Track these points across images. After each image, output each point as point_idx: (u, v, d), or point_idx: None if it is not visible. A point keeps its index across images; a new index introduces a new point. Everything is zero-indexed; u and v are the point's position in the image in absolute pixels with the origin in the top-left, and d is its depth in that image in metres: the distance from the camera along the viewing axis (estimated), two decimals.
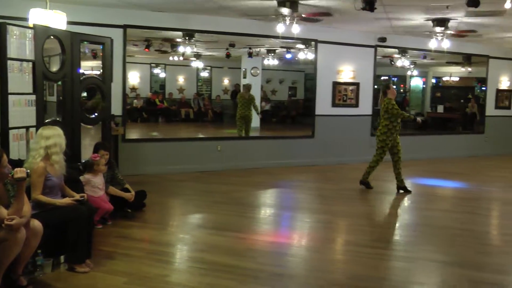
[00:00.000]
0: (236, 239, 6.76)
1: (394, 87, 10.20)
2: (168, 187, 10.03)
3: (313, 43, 13.20)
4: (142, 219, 7.66)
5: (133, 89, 22.72)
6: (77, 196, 5.56)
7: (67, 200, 5.46)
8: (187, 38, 13.38)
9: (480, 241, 7.24)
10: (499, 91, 16.98)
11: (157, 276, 5.30)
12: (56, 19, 7.31)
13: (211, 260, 5.87)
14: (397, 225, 8.18)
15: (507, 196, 10.50)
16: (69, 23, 7.95)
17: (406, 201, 10.10)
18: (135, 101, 22.03)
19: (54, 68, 7.80)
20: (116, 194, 7.49)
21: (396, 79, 25.79)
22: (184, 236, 7.00)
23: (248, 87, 15.56)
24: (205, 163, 11.89)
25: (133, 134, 14.35)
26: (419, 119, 10.59)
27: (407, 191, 10.32)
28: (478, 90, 23.07)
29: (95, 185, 7.03)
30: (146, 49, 15.53)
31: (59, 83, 7.95)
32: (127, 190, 7.69)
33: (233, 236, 6.88)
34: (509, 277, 5.85)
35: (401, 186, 10.37)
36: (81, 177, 6.92)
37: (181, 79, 24.59)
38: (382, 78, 24.57)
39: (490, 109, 16.94)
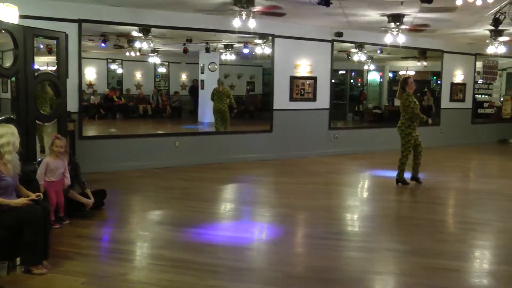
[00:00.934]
0: (195, 235, 6.76)
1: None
2: (126, 184, 9.95)
3: (270, 37, 13.23)
4: (101, 217, 7.59)
5: (90, 85, 22.37)
6: (33, 196, 5.40)
7: (22, 200, 5.29)
8: (143, 33, 13.28)
9: (437, 230, 7.43)
10: (453, 85, 17.37)
11: (116, 274, 5.26)
12: (8, 13, 7.12)
13: (170, 257, 5.87)
14: (355, 216, 8.27)
15: (462, 185, 10.75)
16: (22, 17, 7.83)
17: (364, 193, 10.27)
18: (92, 97, 21.72)
19: (7, 63, 7.64)
20: (75, 199, 7.41)
21: (353, 73, 26.03)
22: (143, 233, 6.95)
23: (222, 82, 16.19)
24: (163, 159, 11.83)
25: (91, 131, 14.20)
26: (430, 120, 10.54)
27: (406, 184, 10.42)
28: (434, 84, 23.44)
29: (54, 168, 6.92)
30: (102, 44, 15.32)
31: (13, 79, 7.78)
32: (87, 196, 7.63)
33: (193, 232, 6.87)
34: (465, 263, 6.00)
35: (400, 179, 10.45)
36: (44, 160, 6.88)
37: (138, 75, 24.32)
38: (340, 72, 24.81)
39: (445, 102, 17.32)
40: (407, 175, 10.40)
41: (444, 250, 6.41)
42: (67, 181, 7.15)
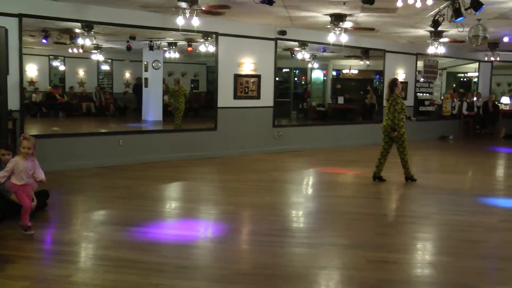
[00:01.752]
0: (140, 234, 6.71)
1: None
2: (69, 184, 9.78)
3: (214, 35, 13.24)
4: (44, 218, 7.43)
5: (32, 82, 21.92)
6: None
7: None
8: (86, 29, 13.10)
9: (379, 224, 7.65)
10: None
11: (60, 277, 5.17)
12: None
13: (115, 256, 5.82)
14: (300, 213, 8.37)
15: (403, 180, 10.96)
16: None
17: (309, 190, 10.41)
18: (34, 95, 21.26)
19: None
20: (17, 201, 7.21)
21: (297, 71, 26.26)
22: (87, 234, 6.85)
23: (178, 81, 16.99)
24: (107, 158, 11.69)
25: (32, 130, 13.90)
26: (413, 118, 10.73)
27: (414, 180, 10.67)
28: (377, 83, 23.89)
29: (23, 169, 6.60)
30: (44, 40, 15.01)
31: None
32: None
33: (137, 231, 6.83)
34: (405, 255, 6.16)
35: (408, 176, 10.71)
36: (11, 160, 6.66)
37: (81, 72, 23.95)
38: (284, 70, 25.00)
39: None
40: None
41: (386, 243, 6.61)
42: (41, 176, 6.87)
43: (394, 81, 10.42)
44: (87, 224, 7.44)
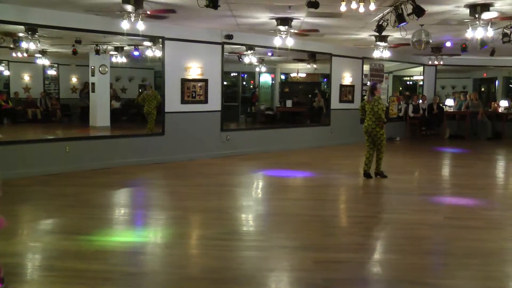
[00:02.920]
0: (86, 242, 6.62)
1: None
2: (14, 194, 9.49)
3: (160, 40, 13.18)
4: None
5: None
6: None
7: None
8: (29, 33, 12.85)
9: (327, 225, 7.73)
10: (342, 86, 17.96)
11: None
12: None
13: (61, 267, 5.72)
14: (249, 216, 8.40)
15: (351, 182, 11.16)
16: None
17: (257, 193, 10.45)
18: None
19: None
20: None
21: (245, 75, 26.32)
22: (33, 244, 6.71)
23: (150, 86, 17.65)
24: (53, 165, 11.47)
25: None
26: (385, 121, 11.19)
27: (384, 176, 11.34)
28: (325, 86, 24.17)
29: None
30: None
31: None
32: None
33: (84, 239, 6.73)
34: (352, 255, 6.23)
35: (378, 172, 11.38)
36: None
37: (26, 77, 23.42)
38: (232, 74, 25.03)
39: (335, 103, 17.90)
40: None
41: (333, 243, 6.73)
42: None
43: (373, 85, 11.26)
44: (33, 234, 7.30)
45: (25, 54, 17.69)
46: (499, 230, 7.57)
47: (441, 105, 21.82)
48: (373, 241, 7.12)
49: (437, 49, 16.89)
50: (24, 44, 14.74)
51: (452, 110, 21.86)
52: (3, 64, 22.70)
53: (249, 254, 6.32)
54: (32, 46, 14.61)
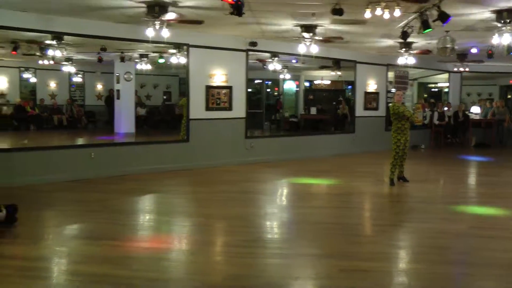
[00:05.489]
0: (111, 248, 6.66)
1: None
2: (40, 199, 9.64)
3: (185, 47, 13.24)
4: (13, 234, 7.30)
5: (1, 95, 21.67)
6: None
7: None
8: (55, 41, 12.99)
9: (351, 233, 7.65)
10: (367, 94, 17.90)
11: None
12: None
13: (86, 271, 5.76)
14: (272, 224, 8.38)
15: (375, 190, 11.08)
16: None
17: (281, 200, 10.43)
18: (4, 108, 20.97)
19: None
20: None
21: (269, 82, 26.33)
22: (58, 249, 6.76)
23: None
24: (79, 171, 11.56)
25: (1, 143, 13.71)
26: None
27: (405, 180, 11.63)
28: (349, 93, 24.08)
29: None
30: (13, 52, 14.84)
31: None
32: None
33: (108, 245, 6.77)
34: (377, 263, 6.17)
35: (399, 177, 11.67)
36: None
37: (52, 84, 23.71)
38: (256, 81, 25.05)
39: (360, 110, 17.84)
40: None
41: (358, 252, 6.65)
42: None
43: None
44: (58, 239, 7.35)
45: (51, 62, 17.91)
46: None
47: (466, 112, 21.58)
48: (398, 250, 7.05)
49: (463, 56, 16.72)
50: (50, 52, 14.93)
51: (478, 118, 21.63)
52: (30, 72, 22.99)
53: (273, 262, 6.30)
54: (58, 53, 14.77)
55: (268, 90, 26.90)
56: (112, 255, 6.36)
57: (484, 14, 10.14)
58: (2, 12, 10.35)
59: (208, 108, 13.63)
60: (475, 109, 22.54)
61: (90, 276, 5.60)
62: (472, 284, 5.64)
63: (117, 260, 6.18)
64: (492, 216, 8.88)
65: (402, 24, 10.65)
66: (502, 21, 9.88)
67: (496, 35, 10.32)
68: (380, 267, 6.08)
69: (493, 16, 10.03)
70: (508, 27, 9.94)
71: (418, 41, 13.51)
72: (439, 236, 7.47)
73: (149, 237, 7.47)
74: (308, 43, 12.16)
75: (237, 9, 8.40)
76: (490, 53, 14.30)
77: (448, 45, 11.59)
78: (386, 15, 8.67)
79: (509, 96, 26.87)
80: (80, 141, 18.59)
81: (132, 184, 11.25)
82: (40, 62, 18.44)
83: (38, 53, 16.21)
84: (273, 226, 8.24)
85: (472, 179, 13.93)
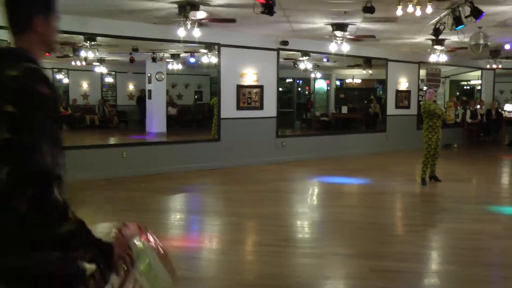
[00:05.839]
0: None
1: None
2: (73, 197, 9.65)
3: (216, 46, 13.28)
4: None
5: None
6: None
7: None
8: (88, 42, 13.15)
9: (383, 233, 7.59)
10: (398, 92, 17.75)
11: None
12: None
13: None
14: (303, 223, 8.38)
15: (407, 189, 11.00)
16: None
17: (312, 200, 10.41)
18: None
19: None
20: None
21: (300, 81, 26.30)
22: None
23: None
24: (111, 170, 11.68)
25: None
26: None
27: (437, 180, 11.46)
28: (380, 92, 23.92)
29: None
30: (47, 53, 15.01)
31: None
32: None
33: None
34: (409, 264, 6.12)
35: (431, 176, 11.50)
36: None
37: (85, 85, 24.01)
38: (287, 80, 25.03)
39: (391, 109, 17.67)
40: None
41: (389, 252, 6.59)
42: None
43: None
44: None
45: (83, 63, 18.13)
46: None
47: (499, 110, 21.27)
48: (430, 250, 6.98)
49: (496, 52, 16.49)
50: (83, 53, 15.10)
51: (511, 116, 21.30)
52: (62, 72, 23.32)
53: (304, 261, 6.29)
54: (90, 54, 14.95)
55: (299, 89, 26.88)
56: None
57: None
58: None
59: (239, 107, 13.65)
60: (509, 107, 22.20)
61: None
62: (507, 287, 5.54)
63: None
64: None
65: (434, 21, 10.53)
66: None
67: None
68: (411, 268, 6.02)
69: None
70: None
71: (451, 38, 13.36)
72: (472, 237, 7.36)
73: (181, 236, 7.52)
74: (339, 42, 12.10)
75: (268, 8, 8.40)
76: None
77: (481, 42, 11.44)
78: (418, 12, 8.56)
79: None
80: (112, 140, 18.79)
81: (163, 183, 11.32)
82: (73, 63, 18.69)
83: (71, 54, 16.41)
84: (304, 225, 8.24)
85: (505, 179, 13.75)
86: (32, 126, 1.97)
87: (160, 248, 2.47)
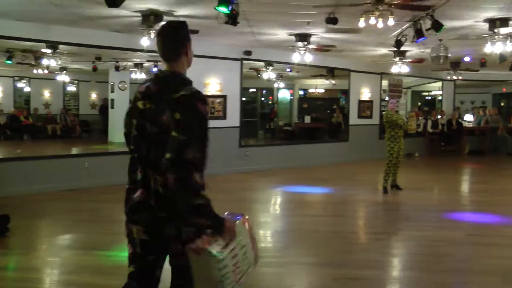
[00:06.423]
0: (105, 258, 6.64)
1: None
2: (33, 209, 9.59)
3: None
4: (5, 245, 7.27)
5: None
6: None
7: None
8: (50, 50, 12.98)
9: (346, 241, 7.67)
10: (361, 102, 17.93)
11: None
12: None
13: (80, 282, 5.74)
14: (266, 232, 8.35)
15: (369, 198, 11.10)
16: None
17: (275, 209, 10.42)
18: None
19: None
20: None
21: (263, 91, 26.37)
22: (51, 259, 6.73)
23: None
24: (73, 180, 11.51)
25: None
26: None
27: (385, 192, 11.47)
28: (343, 101, 24.11)
29: None
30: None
31: None
32: None
33: (103, 255, 6.75)
34: (372, 272, 6.18)
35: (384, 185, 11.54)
36: None
37: (46, 94, 23.66)
38: (251, 90, 25.08)
39: (354, 119, 17.84)
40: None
41: (353, 260, 6.67)
42: None
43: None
44: (52, 249, 7.31)
45: (45, 71, 17.87)
46: None
47: (460, 120, 21.65)
48: (393, 258, 7.07)
49: (456, 64, 16.80)
50: (45, 61, 14.89)
51: (471, 126, 21.70)
52: (24, 81, 22.96)
53: (267, 271, 6.26)
54: (52, 63, 14.74)
55: (263, 99, 26.95)
56: (106, 265, 6.34)
57: (477, 23, 10.19)
58: None
59: None
60: (469, 117, 22.64)
61: (84, 287, 5.58)
62: None
63: (111, 270, 6.14)
64: (488, 224, 8.89)
65: (396, 33, 10.69)
66: (495, 30, 9.92)
67: (489, 43, 10.37)
68: (374, 275, 6.08)
69: (486, 25, 10.08)
70: (500, 36, 9.98)
71: (412, 50, 13.56)
72: (434, 244, 7.48)
73: None
74: (302, 52, 12.18)
75: (231, 18, 8.42)
76: (483, 62, 14.37)
77: (442, 54, 11.64)
78: (380, 24, 8.68)
79: (502, 104, 26.96)
80: (74, 150, 18.54)
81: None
82: (35, 71, 18.40)
83: (32, 62, 16.17)
84: (267, 235, 8.22)
85: (466, 187, 13.98)
86: (189, 130, 2.92)
87: (252, 234, 3.42)
